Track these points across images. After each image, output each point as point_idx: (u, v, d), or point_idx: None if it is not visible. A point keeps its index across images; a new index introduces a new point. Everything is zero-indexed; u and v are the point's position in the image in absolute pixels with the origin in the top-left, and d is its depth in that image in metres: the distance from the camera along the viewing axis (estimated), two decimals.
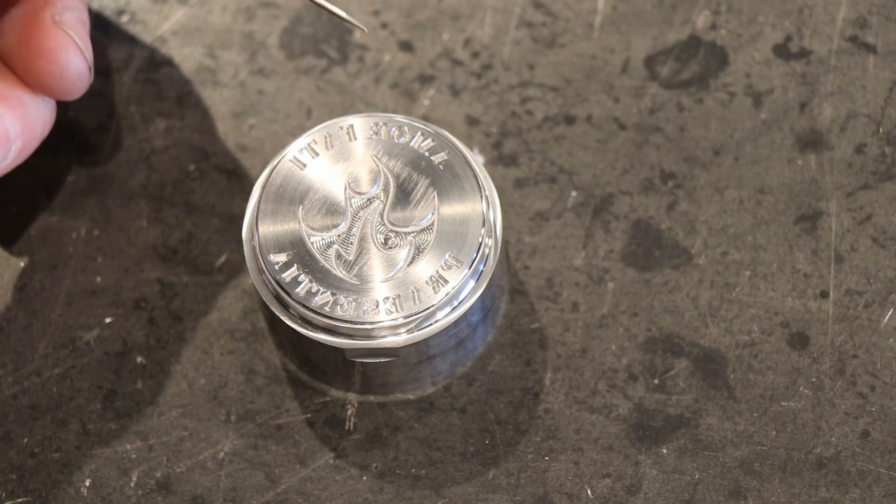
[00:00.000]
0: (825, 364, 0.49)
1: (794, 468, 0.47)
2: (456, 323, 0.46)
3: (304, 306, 0.45)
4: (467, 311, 0.46)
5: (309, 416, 0.49)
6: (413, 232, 0.46)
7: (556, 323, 0.50)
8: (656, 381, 0.49)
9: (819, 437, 0.48)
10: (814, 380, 0.49)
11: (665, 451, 0.48)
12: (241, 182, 0.53)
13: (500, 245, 0.47)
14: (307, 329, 0.45)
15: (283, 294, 0.45)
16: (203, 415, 0.49)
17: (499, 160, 0.53)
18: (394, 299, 0.45)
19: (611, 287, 0.51)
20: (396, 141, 0.47)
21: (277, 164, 0.47)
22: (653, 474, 0.48)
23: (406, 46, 0.56)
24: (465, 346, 0.48)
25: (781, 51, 0.55)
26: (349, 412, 0.49)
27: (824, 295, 0.50)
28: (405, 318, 0.45)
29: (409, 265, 0.46)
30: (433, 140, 0.47)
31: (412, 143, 0.47)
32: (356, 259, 0.46)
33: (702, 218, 0.52)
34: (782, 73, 0.54)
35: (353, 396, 0.49)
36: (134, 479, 0.48)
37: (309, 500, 0.48)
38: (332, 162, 0.47)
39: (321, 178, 0.47)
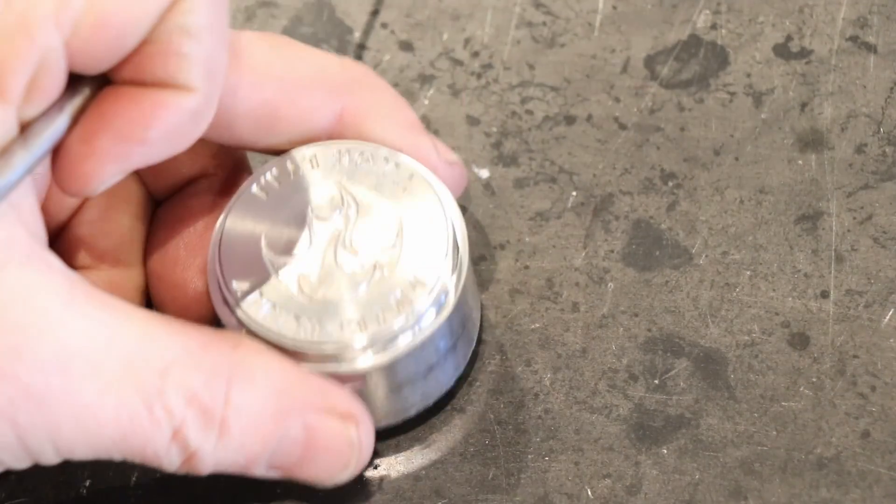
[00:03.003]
0: (825, 364, 0.49)
1: (795, 468, 0.47)
2: (423, 346, 0.45)
3: (269, 330, 0.44)
4: (433, 334, 0.45)
5: None
6: (376, 254, 0.46)
7: (556, 323, 0.50)
8: (656, 382, 0.49)
9: (819, 437, 0.48)
10: (814, 380, 0.49)
11: (665, 451, 0.48)
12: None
13: (465, 267, 0.46)
14: None
15: (246, 319, 0.45)
16: None
17: (499, 160, 0.53)
18: (358, 322, 0.45)
19: (611, 287, 0.51)
20: (360, 167, 0.47)
21: (240, 196, 0.47)
22: (653, 474, 0.48)
23: (406, 46, 0.56)
24: (435, 375, 0.48)
25: (782, 50, 0.55)
26: None
27: (825, 295, 0.50)
28: (369, 339, 0.44)
29: (372, 287, 0.45)
30: (396, 165, 0.47)
31: (375, 168, 0.47)
32: (319, 283, 0.45)
33: (702, 218, 0.52)
34: (783, 72, 0.54)
35: None
36: (134, 478, 0.48)
37: (309, 500, 0.48)
38: (294, 190, 0.46)
39: (284, 207, 0.46)
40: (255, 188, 0.47)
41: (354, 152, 0.47)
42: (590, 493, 0.48)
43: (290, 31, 0.56)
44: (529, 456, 0.48)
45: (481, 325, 0.50)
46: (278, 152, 0.47)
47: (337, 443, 0.44)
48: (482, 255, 0.51)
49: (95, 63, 0.39)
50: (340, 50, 0.56)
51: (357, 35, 0.55)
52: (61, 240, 0.48)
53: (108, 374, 0.40)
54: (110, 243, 0.48)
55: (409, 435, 0.49)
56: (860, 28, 0.55)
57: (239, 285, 0.45)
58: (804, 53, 0.55)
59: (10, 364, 0.38)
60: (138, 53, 0.40)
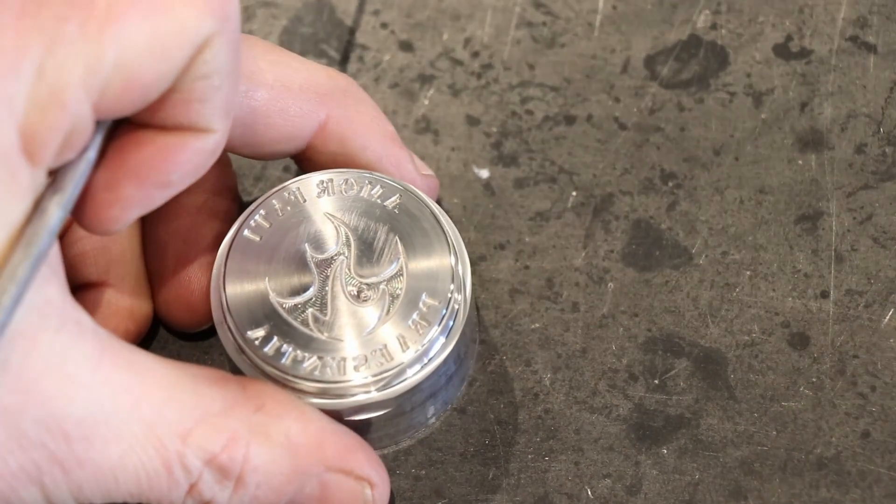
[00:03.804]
0: (825, 364, 0.49)
1: (795, 468, 0.47)
2: (435, 372, 0.45)
3: (294, 375, 0.44)
4: (444, 359, 0.45)
5: None
6: (383, 281, 0.46)
7: (556, 323, 0.50)
8: (656, 382, 0.49)
9: (819, 437, 0.48)
10: (814, 380, 0.49)
11: (665, 451, 0.48)
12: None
13: (469, 284, 0.46)
14: (300, 396, 0.45)
15: (269, 368, 0.45)
16: None
17: (499, 160, 0.53)
18: (371, 356, 0.45)
19: (611, 287, 0.51)
20: (346, 194, 0.47)
21: (233, 240, 0.46)
22: (653, 474, 0.48)
23: (406, 46, 0.56)
24: (444, 392, 0.48)
25: (782, 50, 0.55)
26: None
27: (825, 295, 0.50)
28: (383, 373, 0.44)
29: (382, 320, 0.45)
30: (381, 186, 0.47)
31: (362, 194, 0.47)
32: (332, 321, 0.45)
33: (702, 218, 0.52)
34: (783, 72, 0.54)
35: None
36: None
37: None
38: (287, 228, 0.46)
39: (281, 245, 0.46)
40: (247, 232, 0.46)
41: (338, 180, 0.47)
42: (590, 493, 0.47)
43: (290, 31, 0.56)
44: (529, 456, 0.48)
45: (481, 326, 0.50)
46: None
47: (351, 500, 0.45)
48: (482, 255, 0.51)
49: (119, 114, 0.40)
50: (341, 50, 0.56)
51: (357, 35, 0.55)
52: (65, 254, 0.48)
53: (131, 437, 0.41)
54: (112, 254, 0.48)
55: (409, 435, 0.49)
56: (860, 28, 0.55)
57: (253, 333, 0.45)
58: (804, 53, 0.55)
59: (39, 434, 0.40)
60: (160, 100, 0.40)
